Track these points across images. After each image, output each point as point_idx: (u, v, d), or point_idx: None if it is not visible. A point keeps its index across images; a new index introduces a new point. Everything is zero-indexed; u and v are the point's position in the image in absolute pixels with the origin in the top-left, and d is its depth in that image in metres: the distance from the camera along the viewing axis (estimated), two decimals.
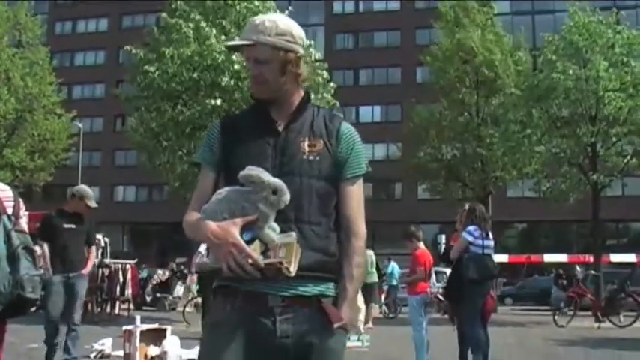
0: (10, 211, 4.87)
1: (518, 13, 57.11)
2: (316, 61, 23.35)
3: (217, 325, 2.87)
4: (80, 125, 48.27)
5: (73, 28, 70.37)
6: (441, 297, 15.78)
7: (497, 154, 31.16)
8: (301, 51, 3.06)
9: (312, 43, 23.08)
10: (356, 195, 3.04)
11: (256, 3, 23.67)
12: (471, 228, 9.54)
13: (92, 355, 11.21)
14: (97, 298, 20.38)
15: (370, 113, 61.45)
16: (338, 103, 25.11)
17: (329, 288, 2.90)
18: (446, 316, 12.79)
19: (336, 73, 46.31)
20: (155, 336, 10.87)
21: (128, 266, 21.96)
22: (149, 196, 64.48)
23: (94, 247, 9.88)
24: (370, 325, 16.70)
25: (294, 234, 2.79)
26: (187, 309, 18.04)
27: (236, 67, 21.10)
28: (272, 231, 2.78)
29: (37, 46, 39.88)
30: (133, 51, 23.93)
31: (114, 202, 64.38)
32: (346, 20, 64.35)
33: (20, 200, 5.11)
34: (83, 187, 9.59)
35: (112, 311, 20.91)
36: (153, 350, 10.62)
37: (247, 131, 3.03)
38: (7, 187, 5.12)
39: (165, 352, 10.44)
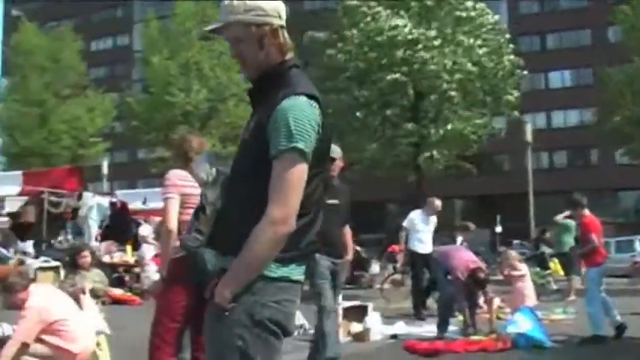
0: None
1: None
2: (494, 24, 22.76)
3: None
4: None
5: None
6: None
7: None
8: (276, 22, 3.03)
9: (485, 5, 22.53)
10: (276, 174, 2.82)
11: None
12: None
13: (295, 333, 11.49)
14: None
15: (560, 79, 59.25)
16: (523, 64, 24.39)
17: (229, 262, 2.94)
18: None
19: (521, 40, 45.09)
20: (357, 313, 11.05)
21: None
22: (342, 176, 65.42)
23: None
24: (572, 297, 16.19)
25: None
26: (385, 286, 18.18)
27: (409, 37, 21.01)
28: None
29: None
30: (315, 35, 24.41)
31: None
32: None
33: None
34: None
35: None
36: (355, 327, 10.81)
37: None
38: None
39: (368, 329, 10.61)
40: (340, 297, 11.08)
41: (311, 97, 2.92)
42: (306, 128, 2.83)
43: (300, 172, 2.83)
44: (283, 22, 3.07)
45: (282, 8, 3.08)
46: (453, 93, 20.91)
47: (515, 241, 34.35)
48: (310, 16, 59.32)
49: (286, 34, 3.08)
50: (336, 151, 7.67)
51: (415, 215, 14.52)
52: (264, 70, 3.04)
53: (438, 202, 14.34)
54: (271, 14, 3.03)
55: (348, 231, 8.31)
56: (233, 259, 2.88)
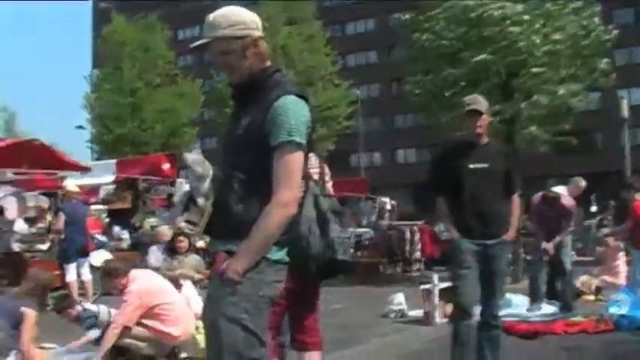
0: (316, 177, 5.08)
1: None
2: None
3: None
4: (358, 92, 49.35)
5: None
6: None
7: None
8: (256, 33, 3.47)
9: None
10: (281, 163, 3.22)
11: None
12: None
13: (392, 316, 11.47)
14: (389, 260, 20.90)
15: None
16: (615, 34, 23.58)
17: (236, 245, 3.25)
18: None
19: (616, 13, 43.79)
20: (453, 293, 10.90)
21: (416, 227, 22.21)
22: (431, 156, 64.83)
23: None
24: None
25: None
26: None
27: (495, 13, 20.57)
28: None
29: (310, 20, 41.34)
30: (402, 17, 24.21)
31: (396, 164, 65.55)
32: None
33: (325, 166, 5.36)
34: None
35: (405, 271, 21.31)
36: (452, 307, 10.67)
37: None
38: (312, 154, 5.34)
39: None
40: (436, 277, 10.95)
41: (300, 96, 3.36)
42: (301, 123, 3.27)
43: (300, 160, 3.28)
44: (261, 33, 3.51)
45: (258, 20, 3.53)
46: (543, 69, 20.37)
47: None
48: None
49: (265, 44, 3.54)
50: (481, 102, 6.43)
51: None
52: (249, 76, 3.45)
53: (583, 183, 12.91)
54: (251, 27, 3.47)
55: (514, 201, 6.49)
56: (238, 242, 3.24)
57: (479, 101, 6.41)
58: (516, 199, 6.50)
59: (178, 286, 8.90)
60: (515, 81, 21.24)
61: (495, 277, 6.25)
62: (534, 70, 20.39)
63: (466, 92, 22.72)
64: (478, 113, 6.25)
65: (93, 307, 8.32)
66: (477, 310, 6.37)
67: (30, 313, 7.01)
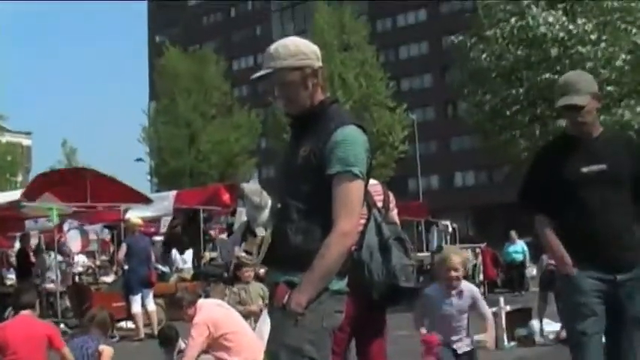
0: (379, 204, 5.04)
1: None
2: None
3: None
4: (413, 116, 49.23)
5: (394, 23, 72.06)
6: None
7: None
8: (316, 64, 3.43)
9: None
10: (341, 193, 3.20)
11: None
12: None
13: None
14: None
15: None
16: None
17: (296, 276, 3.22)
18: None
19: None
20: (520, 317, 10.77)
21: (478, 250, 21.98)
22: (489, 178, 64.21)
23: None
24: None
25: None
26: None
27: (561, 34, 20.38)
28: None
29: (363, 45, 41.48)
30: (455, 40, 24.13)
31: (454, 187, 65.16)
32: None
33: (390, 193, 5.31)
34: None
35: None
36: (520, 332, 10.53)
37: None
38: (376, 182, 5.30)
39: (534, 332, 10.32)
40: (502, 300, 10.77)
41: (358, 126, 3.35)
42: (361, 153, 3.26)
43: (360, 190, 3.26)
44: (321, 63, 3.47)
45: (318, 50, 3.49)
46: (609, 88, 20.07)
47: None
48: (448, 19, 58.99)
49: (324, 73, 3.52)
50: (579, 87, 4.49)
51: None
52: (309, 107, 3.42)
53: None
54: (311, 57, 3.43)
55: None
56: (298, 273, 3.22)
57: (575, 87, 4.50)
58: None
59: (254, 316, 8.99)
60: None
61: (634, 328, 4.31)
62: (600, 87, 20.14)
63: (526, 112, 22.67)
64: (577, 108, 4.45)
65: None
66: None
67: (107, 350, 6.99)
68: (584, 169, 4.38)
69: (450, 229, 26.09)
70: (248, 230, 3.51)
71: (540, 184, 4.56)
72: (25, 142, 78.43)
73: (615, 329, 4.27)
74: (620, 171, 4.40)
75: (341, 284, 3.36)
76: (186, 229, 19.86)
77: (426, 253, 23.39)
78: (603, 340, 4.37)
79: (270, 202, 3.49)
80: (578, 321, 4.31)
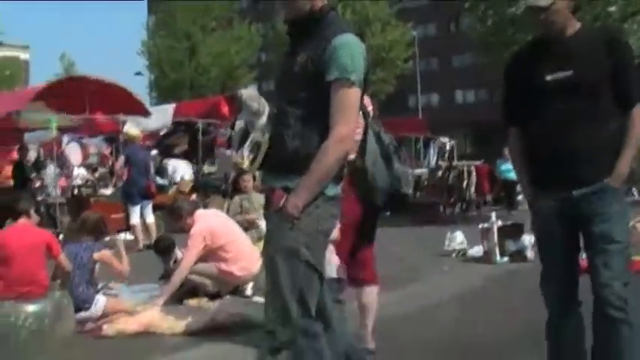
0: (372, 113, 5.06)
1: None
2: None
3: None
4: (414, 33, 48.76)
5: None
6: None
7: None
8: None
9: None
10: (338, 99, 3.25)
11: None
12: None
13: (454, 255, 11.48)
14: (448, 200, 20.84)
15: None
16: None
17: (293, 181, 3.29)
18: None
19: None
20: (511, 232, 10.88)
21: (473, 167, 22.04)
22: (489, 96, 63.90)
23: None
24: None
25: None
26: None
27: None
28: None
29: None
30: None
31: (455, 105, 64.89)
32: None
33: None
34: None
35: (463, 211, 21.25)
36: (511, 245, 10.65)
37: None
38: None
39: (525, 247, 10.45)
40: (494, 215, 10.88)
41: (356, 34, 3.39)
42: (359, 61, 3.29)
43: (356, 97, 3.30)
44: None
45: None
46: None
47: None
48: None
49: None
50: None
51: None
52: (305, 12, 3.43)
53: None
54: None
55: (633, 119, 3.84)
56: (294, 178, 3.28)
57: None
58: (636, 116, 3.85)
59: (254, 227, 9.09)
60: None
61: (599, 242, 3.81)
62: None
63: (528, 31, 22.44)
64: (539, 10, 3.82)
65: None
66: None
67: (104, 254, 6.98)
68: (549, 77, 3.83)
69: (449, 146, 26.11)
70: (246, 136, 3.62)
71: (512, 95, 4.14)
72: (23, 55, 77.71)
73: (586, 247, 3.92)
74: (592, 77, 3.78)
75: (336, 189, 3.41)
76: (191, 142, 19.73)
77: (424, 169, 23.50)
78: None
79: (267, 109, 3.55)
80: (539, 246, 4.18)
